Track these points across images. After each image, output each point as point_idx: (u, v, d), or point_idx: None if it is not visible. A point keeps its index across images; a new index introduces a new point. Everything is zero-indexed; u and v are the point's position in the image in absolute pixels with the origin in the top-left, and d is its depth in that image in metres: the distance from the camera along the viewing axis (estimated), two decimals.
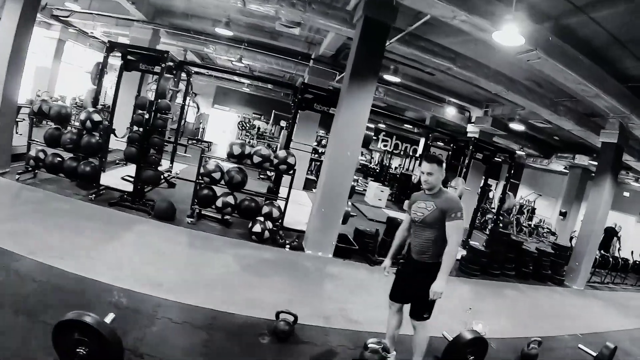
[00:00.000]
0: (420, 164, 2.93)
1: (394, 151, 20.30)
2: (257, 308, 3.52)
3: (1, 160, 5.76)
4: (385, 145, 20.84)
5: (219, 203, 5.44)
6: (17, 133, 6.54)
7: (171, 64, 6.93)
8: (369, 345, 3.04)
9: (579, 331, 5.17)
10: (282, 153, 5.56)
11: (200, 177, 5.52)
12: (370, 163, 18.86)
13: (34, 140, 6.03)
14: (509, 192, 8.34)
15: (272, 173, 6.71)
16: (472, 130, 11.13)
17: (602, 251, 9.35)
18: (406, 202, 3.12)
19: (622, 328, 5.93)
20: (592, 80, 5.91)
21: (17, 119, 6.66)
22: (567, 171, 14.63)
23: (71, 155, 5.85)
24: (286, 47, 10.07)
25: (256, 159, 5.46)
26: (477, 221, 12.50)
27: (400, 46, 6.42)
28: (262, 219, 5.36)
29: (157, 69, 6.28)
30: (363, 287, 4.89)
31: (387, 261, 3.08)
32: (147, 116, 5.70)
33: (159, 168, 7.25)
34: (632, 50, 5.59)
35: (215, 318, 3.31)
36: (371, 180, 14.42)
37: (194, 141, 15.04)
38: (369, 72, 5.35)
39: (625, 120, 7.52)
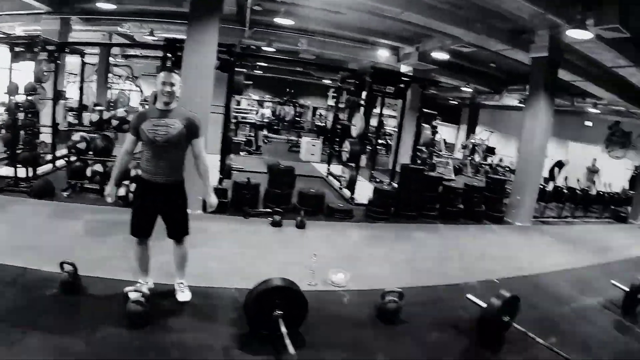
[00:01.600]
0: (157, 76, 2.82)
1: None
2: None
3: None
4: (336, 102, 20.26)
5: (88, 173, 5.51)
6: None
7: (52, 47, 6.94)
8: (130, 296, 2.87)
9: (498, 275, 4.45)
10: (120, 112, 5.50)
11: (68, 150, 5.58)
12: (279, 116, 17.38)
13: None
14: (424, 125, 7.94)
15: None
16: (404, 70, 10.63)
17: (549, 181, 8.91)
18: (131, 122, 2.92)
19: (565, 267, 5.29)
20: None
21: None
22: (523, 105, 13.89)
23: None
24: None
25: (114, 122, 5.44)
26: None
27: None
28: (127, 182, 5.38)
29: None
30: (216, 239, 4.77)
31: (112, 188, 3.00)
32: (14, 100, 5.75)
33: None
34: None
35: (22, 275, 3.41)
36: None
37: None
38: (207, 10, 5.14)
39: (552, 30, 6.91)
